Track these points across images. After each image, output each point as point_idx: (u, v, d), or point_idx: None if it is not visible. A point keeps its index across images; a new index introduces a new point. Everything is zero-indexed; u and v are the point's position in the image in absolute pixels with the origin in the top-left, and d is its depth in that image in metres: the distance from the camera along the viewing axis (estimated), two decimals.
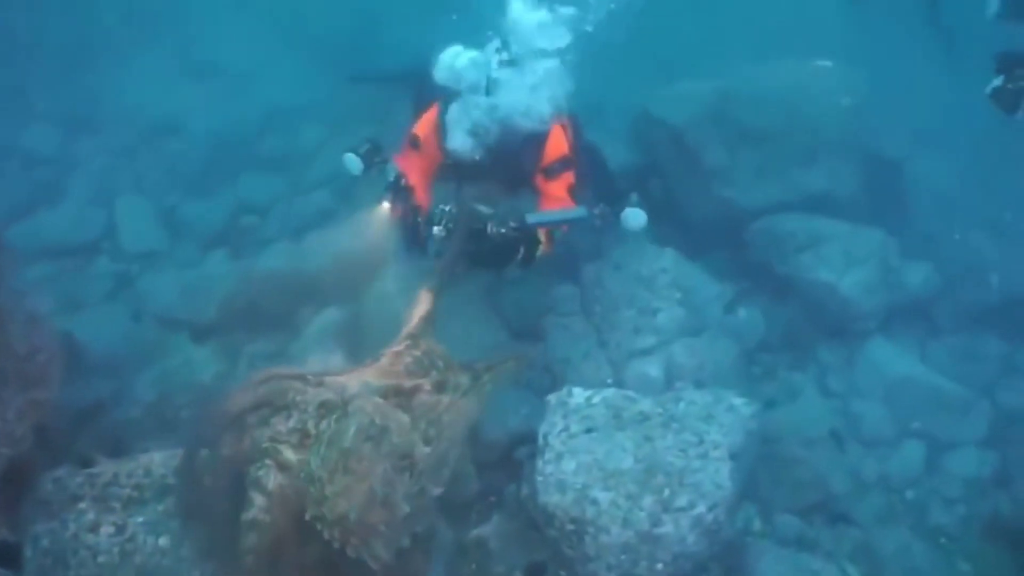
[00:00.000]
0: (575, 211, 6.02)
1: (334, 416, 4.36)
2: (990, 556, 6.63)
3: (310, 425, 4.36)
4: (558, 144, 6.18)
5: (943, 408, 7.52)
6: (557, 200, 6.17)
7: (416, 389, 4.82)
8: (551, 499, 5.25)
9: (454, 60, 6.06)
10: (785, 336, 7.89)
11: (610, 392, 5.75)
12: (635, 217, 6.34)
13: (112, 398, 7.29)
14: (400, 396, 4.71)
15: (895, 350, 7.97)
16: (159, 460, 5.78)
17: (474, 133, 5.94)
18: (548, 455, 5.45)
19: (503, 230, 5.69)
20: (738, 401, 5.90)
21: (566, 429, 5.53)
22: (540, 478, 5.36)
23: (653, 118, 8.35)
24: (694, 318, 6.82)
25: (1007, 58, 5.81)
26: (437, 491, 4.45)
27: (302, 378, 4.71)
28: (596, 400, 5.69)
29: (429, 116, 6.30)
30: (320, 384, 4.68)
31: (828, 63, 8.77)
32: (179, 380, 7.53)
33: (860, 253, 7.81)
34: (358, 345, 6.74)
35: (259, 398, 4.52)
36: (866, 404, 7.52)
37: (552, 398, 5.79)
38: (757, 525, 6.37)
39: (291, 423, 4.40)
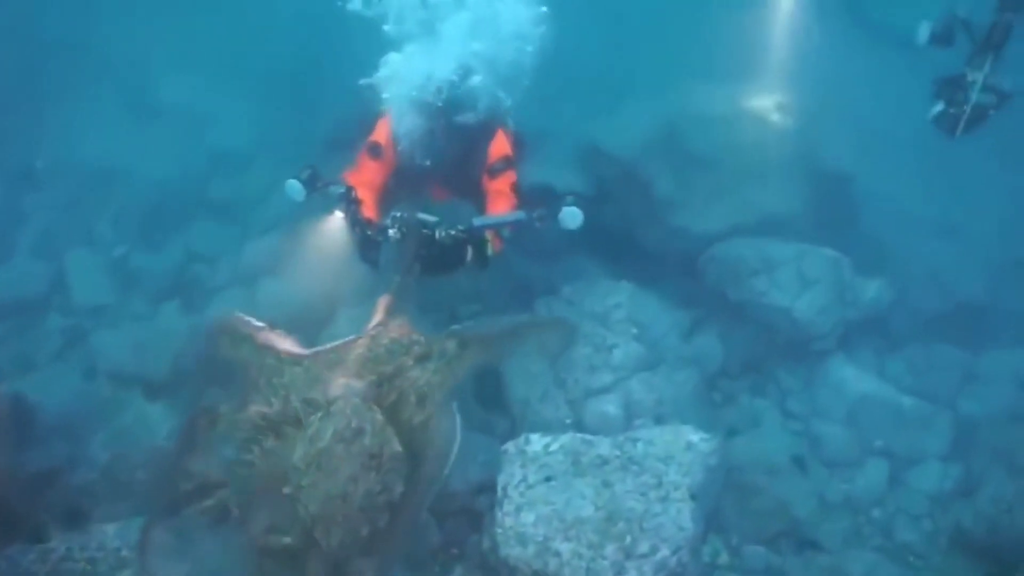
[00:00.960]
0: (516, 214, 6.10)
1: (318, 415, 4.75)
2: (958, 570, 6.59)
3: (293, 412, 4.92)
4: (500, 145, 6.40)
5: (904, 424, 7.51)
6: (502, 195, 6.32)
7: (399, 369, 5.15)
8: (512, 552, 5.11)
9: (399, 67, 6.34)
10: (744, 361, 7.80)
11: (568, 438, 5.60)
12: (572, 216, 6.22)
13: (66, 462, 7.04)
14: (384, 384, 5.08)
15: (854, 368, 7.91)
16: (112, 532, 5.63)
17: (428, 134, 6.18)
18: (507, 507, 5.29)
19: (452, 232, 5.77)
20: (696, 437, 5.75)
21: (524, 479, 5.38)
22: (500, 530, 5.21)
23: (601, 150, 8.22)
24: (651, 352, 6.69)
25: (944, 84, 5.92)
26: (399, 489, 4.73)
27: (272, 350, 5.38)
28: (554, 447, 5.54)
29: (384, 124, 6.43)
30: (296, 363, 5.26)
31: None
32: (133, 439, 7.30)
33: (813, 274, 7.73)
34: None
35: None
36: (828, 426, 7.45)
37: (510, 446, 5.63)
38: (724, 558, 6.25)
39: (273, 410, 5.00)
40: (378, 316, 5.60)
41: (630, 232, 8.19)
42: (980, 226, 10.44)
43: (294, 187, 6.30)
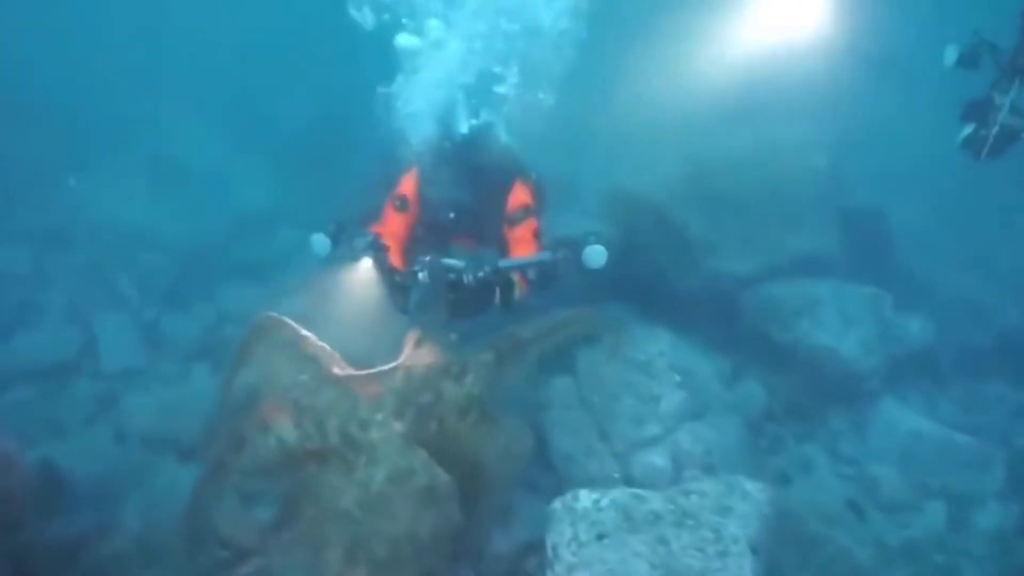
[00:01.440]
0: (540, 255, 6.01)
1: (362, 460, 4.67)
2: None
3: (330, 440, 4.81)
4: (519, 194, 6.32)
5: (959, 463, 7.19)
6: (524, 242, 6.25)
7: (438, 395, 4.98)
8: None
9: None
10: (789, 405, 7.52)
11: (618, 492, 5.31)
12: (595, 255, 6.13)
13: (97, 531, 6.80)
14: (423, 417, 4.93)
15: (903, 408, 7.65)
16: None
17: (453, 182, 6.11)
18: (559, 568, 4.98)
19: (479, 275, 5.69)
20: (751, 487, 5.47)
21: (575, 538, 5.08)
22: None
23: (630, 195, 8.02)
24: (696, 400, 6.43)
25: (972, 107, 5.76)
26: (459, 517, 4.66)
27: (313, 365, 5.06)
28: (604, 503, 5.24)
29: (410, 177, 6.35)
30: (333, 385, 5.02)
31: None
32: (166, 504, 7.04)
33: (855, 312, 7.51)
34: None
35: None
36: (881, 468, 7.15)
37: (558, 504, 5.34)
38: None
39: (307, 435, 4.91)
40: (409, 347, 5.38)
41: (663, 277, 7.95)
42: (1013, 256, 10.21)
43: (320, 241, 6.22)
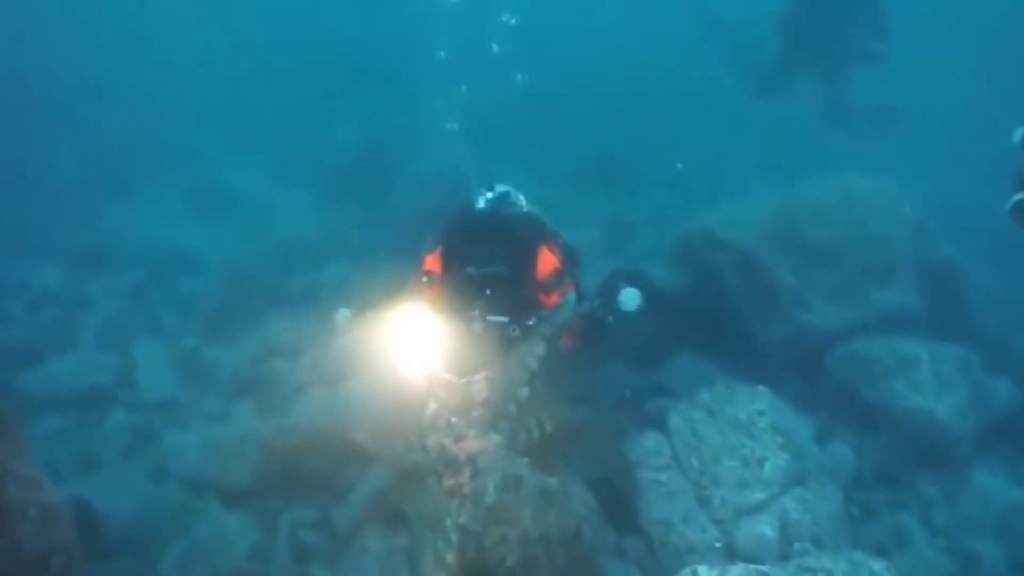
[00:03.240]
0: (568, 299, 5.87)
1: (467, 474, 4.65)
2: None
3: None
4: (547, 261, 6.00)
5: None
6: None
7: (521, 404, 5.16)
8: None
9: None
10: (880, 470, 6.79)
11: (740, 570, 4.57)
12: (630, 297, 6.00)
13: None
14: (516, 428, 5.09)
15: (994, 475, 6.93)
16: None
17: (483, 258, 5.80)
18: None
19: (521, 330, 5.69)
20: (878, 566, 4.75)
21: None
22: None
23: (716, 240, 7.35)
24: (798, 464, 5.69)
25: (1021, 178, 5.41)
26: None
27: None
28: None
29: (436, 255, 6.03)
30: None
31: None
32: (210, 556, 6.26)
33: (948, 374, 6.83)
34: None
35: None
36: (980, 541, 6.41)
37: None
38: None
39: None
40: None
41: (747, 327, 7.27)
42: None
43: (343, 316, 6.06)
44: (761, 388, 6.02)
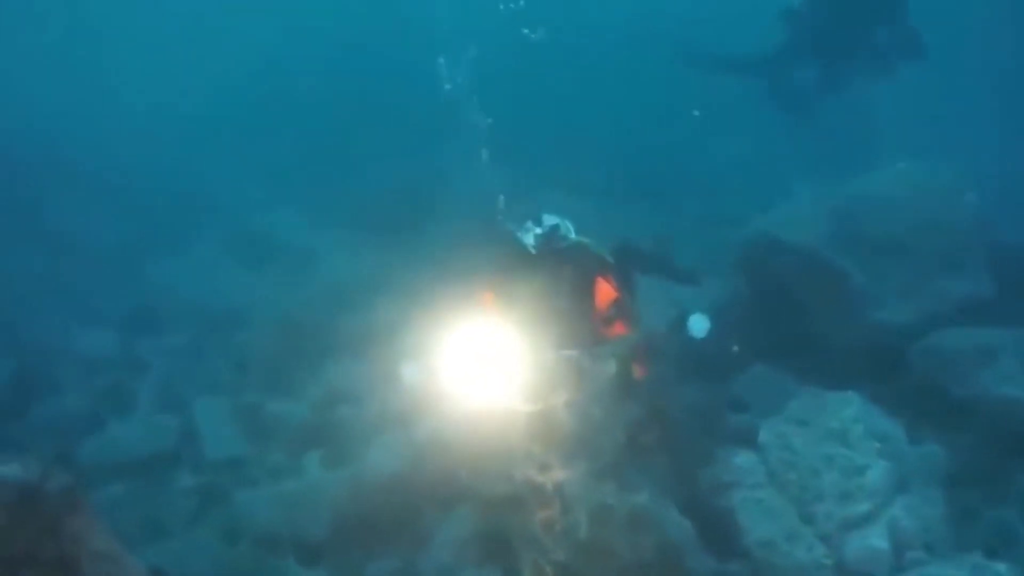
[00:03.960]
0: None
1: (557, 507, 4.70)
2: None
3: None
4: (604, 291, 5.85)
5: None
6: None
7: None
8: None
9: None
10: (973, 467, 6.46)
11: None
12: (699, 323, 5.69)
13: None
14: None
15: None
16: None
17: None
18: None
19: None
20: (1002, 567, 4.47)
21: None
22: None
23: (775, 242, 7.08)
24: (898, 469, 5.39)
25: None
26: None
27: None
28: None
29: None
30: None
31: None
32: None
33: None
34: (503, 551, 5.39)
35: None
36: None
37: None
38: None
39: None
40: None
41: (816, 330, 6.99)
42: None
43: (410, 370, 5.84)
44: (851, 393, 5.74)
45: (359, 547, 6.25)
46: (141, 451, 7.89)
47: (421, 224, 11.15)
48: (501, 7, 9.19)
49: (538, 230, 6.02)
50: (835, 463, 5.24)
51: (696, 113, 11.57)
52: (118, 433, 8.15)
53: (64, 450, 7.60)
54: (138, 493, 7.47)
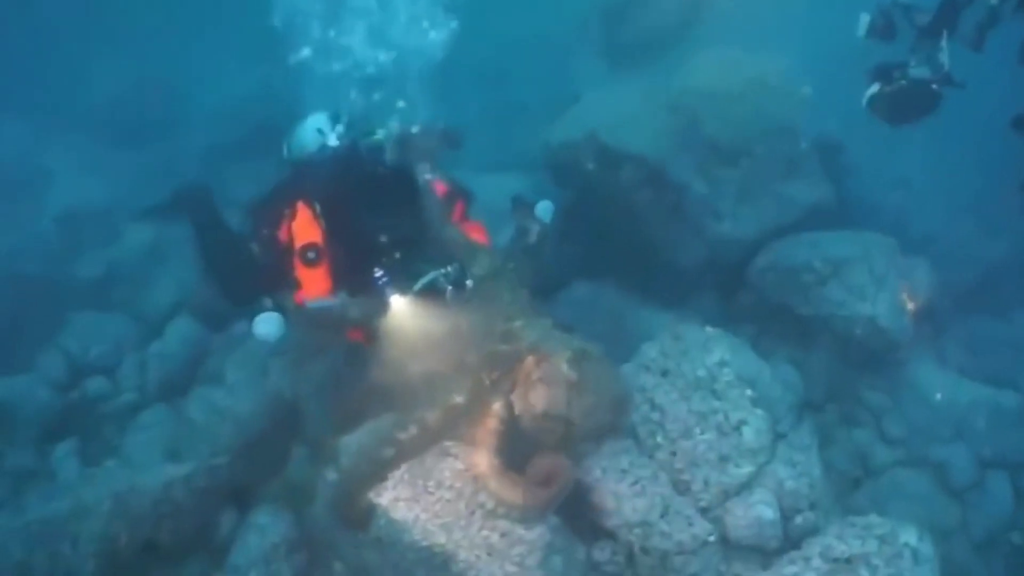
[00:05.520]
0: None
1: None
2: None
3: None
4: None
5: (1007, 424, 5.96)
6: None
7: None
8: None
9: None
10: (825, 387, 5.97)
11: None
12: (546, 208, 5.04)
13: None
14: None
15: (933, 369, 6.31)
16: None
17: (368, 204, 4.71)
18: None
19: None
20: (911, 537, 3.87)
21: None
22: None
23: (612, 151, 5.99)
24: (773, 415, 4.65)
25: (881, 66, 4.88)
26: None
27: None
28: None
29: (304, 217, 4.75)
30: None
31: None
32: None
33: (879, 268, 5.98)
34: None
35: None
36: (943, 448, 5.77)
37: None
38: None
39: None
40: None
41: (659, 248, 6.12)
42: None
43: (272, 321, 4.65)
44: (710, 330, 4.88)
45: None
46: None
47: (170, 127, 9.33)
48: None
49: (338, 127, 5.16)
50: (708, 420, 4.38)
51: None
52: None
53: None
54: None
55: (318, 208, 4.73)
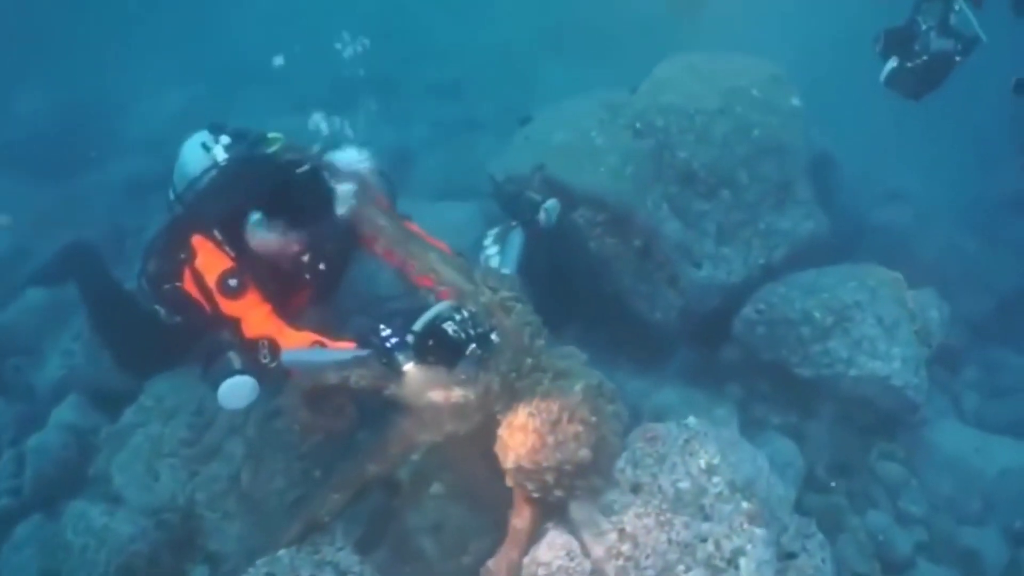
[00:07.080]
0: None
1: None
2: None
3: None
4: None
5: None
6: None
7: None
8: None
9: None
10: (829, 461, 4.94)
11: None
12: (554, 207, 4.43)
13: None
14: None
15: (957, 431, 5.30)
16: None
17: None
18: None
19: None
20: None
21: None
22: None
23: (564, 189, 4.86)
24: (777, 525, 3.60)
25: (891, 35, 4.35)
26: None
27: None
28: None
29: (205, 248, 3.95)
30: None
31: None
32: None
33: (889, 315, 4.94)
34: None
35: None
36: (974, 529, 4.77)
37: None
38: None
39: None
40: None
41: (627, 304, 5.05)
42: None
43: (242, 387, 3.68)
44: (692, 421, 3.82)
45: None
46: None
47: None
48: None
49: (224, 139, 4.39)
50: (694, 553, 3.34)
51: None
52: None
53: None
54: None
55: (218, 235, 3.92)
